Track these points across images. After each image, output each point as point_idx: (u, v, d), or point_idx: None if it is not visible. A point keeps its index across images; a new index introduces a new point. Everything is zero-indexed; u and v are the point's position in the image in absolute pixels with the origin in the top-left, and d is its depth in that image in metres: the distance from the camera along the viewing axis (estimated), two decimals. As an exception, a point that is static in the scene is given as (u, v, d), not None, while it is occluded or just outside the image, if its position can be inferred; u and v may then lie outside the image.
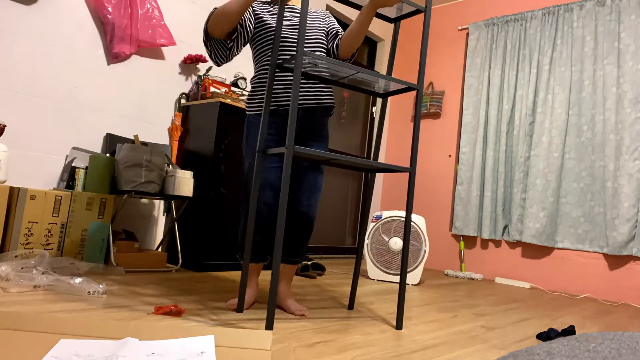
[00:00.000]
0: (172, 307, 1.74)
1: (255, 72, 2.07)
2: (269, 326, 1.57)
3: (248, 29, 1.98)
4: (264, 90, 2.01)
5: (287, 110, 2.01)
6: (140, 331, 1.32)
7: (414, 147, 1.94)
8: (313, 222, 2.08)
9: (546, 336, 1.98)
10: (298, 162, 2.06)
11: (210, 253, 2.87)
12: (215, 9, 1.89)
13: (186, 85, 3.27)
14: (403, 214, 3.35)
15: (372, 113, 5.16)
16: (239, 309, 1.87)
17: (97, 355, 1.13)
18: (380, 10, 2.07)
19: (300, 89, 2.01)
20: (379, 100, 5.12)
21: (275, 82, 2.00)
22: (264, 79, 2.02)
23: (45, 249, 2.34)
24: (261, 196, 1.99)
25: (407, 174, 4.23)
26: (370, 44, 5.22)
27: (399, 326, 1.88)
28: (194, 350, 1.23)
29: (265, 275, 2.94)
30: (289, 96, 1.99)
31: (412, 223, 3.36)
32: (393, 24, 2.21)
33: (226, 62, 2.01)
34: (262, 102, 2.01)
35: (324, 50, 2.09)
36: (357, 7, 2.07)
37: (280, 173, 2.02)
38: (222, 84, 3.15)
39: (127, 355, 1.14)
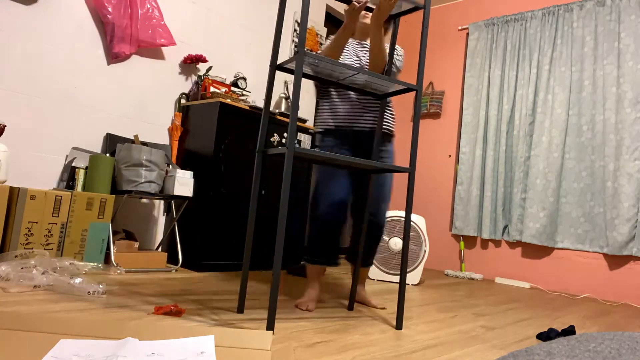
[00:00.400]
0: (172, 307, 1.74)
1: (321, 95, 2.28)
2: (270, 326, 1.57)
3: None
4: (328, 111, 2.23)
5: (356, 131, 2.21)
6: (140, 331, 1.32)
7: (413, 147, 1.93)
8: (382, 229, 2.29)
9: (546, 336, 1.98)
10: (366, 173, 2.18)
11: (210, 253, 2.87)
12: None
13: (186, 85, 3.27)
14: (403, 214, 3.35)
15: (372, 113, 5.16)
16: (239, 309, 1.88)
17: (97, 355, 1.13)
18: None
19: (362, 114, 2.21)
20: (379, 100, 5.11)
21: (343, 102, 2.19)
22: (326, 103, 2.24)
23: (45, 249, 2.34)
24: (330, 207, 2.11)
25: (407, 173, 4.23)
26: (370, 44, 5.21)
27: (399, 326, 1.88)
28: (194, 350, 1.23)
29: (266, 275, 2.94)
30: (359, 117, 2.19)
31: (412, 223, 3.36)
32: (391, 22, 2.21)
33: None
34: (325, 121, 2.23)
35: None
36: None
37: (349, 187, 2.19)
38: (222, 84, 3.15)
39: (127, 355, 1.14)
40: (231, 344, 1.31)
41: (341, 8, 4.53)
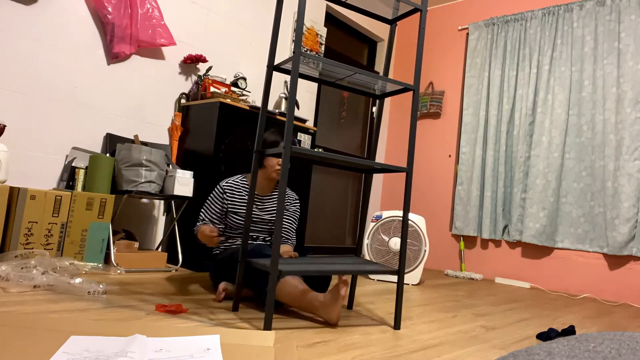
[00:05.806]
0: (174, 306, 1.75)
1: None
2: (267, 326, 1.57)
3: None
4: None
5: None
6: (148, 330, 1.35)
7: (410, 147, 1.94)
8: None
9: (546, 336, 1.98)
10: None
11: (211, 253, 2.87)
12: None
13: (186, 85, 3.27)
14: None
15: (372, 113, 5.16)
16: (234, 307, 1.88)
17: (107, 351, 1.15)
18: (377, 11, 2.07)
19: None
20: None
21: None
22: None
23: (45, 249, 2.34)
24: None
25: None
26: (370, 43, 5.22)
27: (396, 326, 1.87)
28: (200, 347, 1.26)
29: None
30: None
31: (412, 223, 3.36)
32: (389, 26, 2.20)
33: None
34: None
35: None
36: (356, 9, 2.07)
37: None
38: (222, 84, 3.15)
39: (135, 351, 1.16)
40: (236, 342, 1.32)
41: (341, 8, 4.53)
